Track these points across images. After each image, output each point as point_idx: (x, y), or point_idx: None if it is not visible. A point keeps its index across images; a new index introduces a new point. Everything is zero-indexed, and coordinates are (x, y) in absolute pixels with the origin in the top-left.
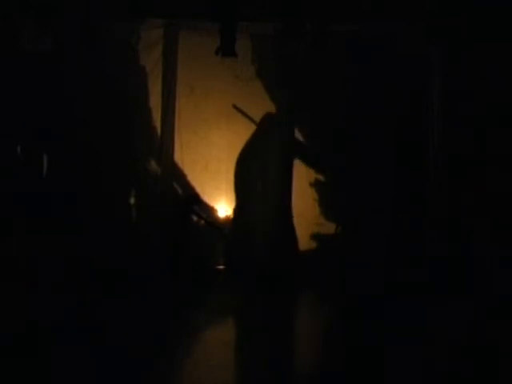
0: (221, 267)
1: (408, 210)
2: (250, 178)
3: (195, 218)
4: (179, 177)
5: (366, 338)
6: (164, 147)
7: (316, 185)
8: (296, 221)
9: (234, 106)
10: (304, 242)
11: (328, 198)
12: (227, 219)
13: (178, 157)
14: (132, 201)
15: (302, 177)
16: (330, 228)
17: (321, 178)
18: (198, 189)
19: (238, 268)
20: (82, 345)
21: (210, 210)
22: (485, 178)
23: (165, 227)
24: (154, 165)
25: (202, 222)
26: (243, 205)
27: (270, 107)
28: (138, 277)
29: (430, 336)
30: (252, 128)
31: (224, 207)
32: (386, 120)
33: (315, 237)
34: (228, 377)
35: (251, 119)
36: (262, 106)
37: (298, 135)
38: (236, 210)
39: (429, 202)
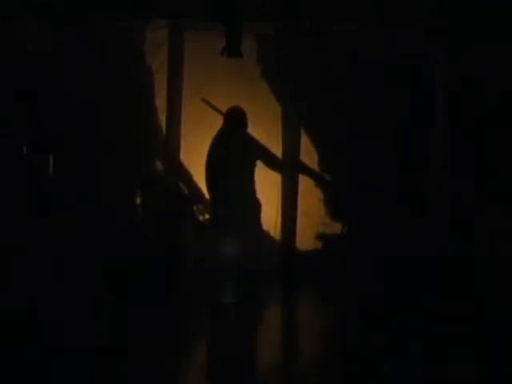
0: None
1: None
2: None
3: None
4: (184, 178)
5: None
6: (169, 148)
7: (321, 185)
8: (301, 220)
9: (203, 99)
10: (309, 241)
11: (333, 198)
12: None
13: (183, 158)
14: (138, 201)
15: (307, 177)
16: (335, 228)
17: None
18: (204, 191)
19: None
20: (82, 344)
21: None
22: (486, 178)
23: (163, 228)
24: (158, 165)
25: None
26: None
27: (276, 107)
28: (137, 277)
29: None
30: (255, 129)
31: None
32: (386, 120)
33: (320, 236)
34: (227, 376)
35: (220, 112)
36: (267, 106)
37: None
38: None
39: (429, 202)
